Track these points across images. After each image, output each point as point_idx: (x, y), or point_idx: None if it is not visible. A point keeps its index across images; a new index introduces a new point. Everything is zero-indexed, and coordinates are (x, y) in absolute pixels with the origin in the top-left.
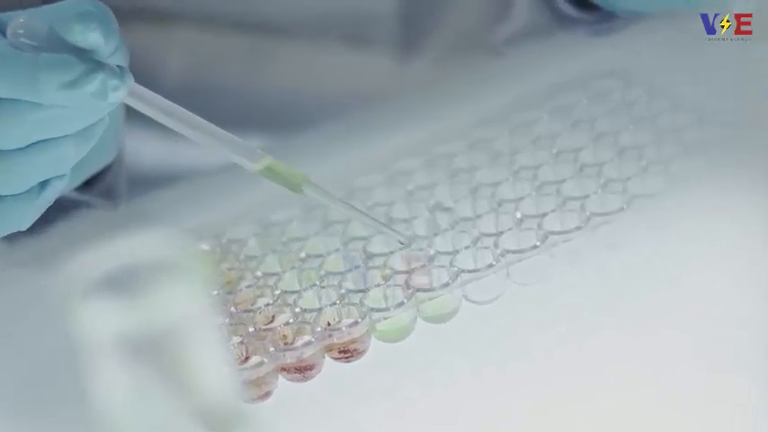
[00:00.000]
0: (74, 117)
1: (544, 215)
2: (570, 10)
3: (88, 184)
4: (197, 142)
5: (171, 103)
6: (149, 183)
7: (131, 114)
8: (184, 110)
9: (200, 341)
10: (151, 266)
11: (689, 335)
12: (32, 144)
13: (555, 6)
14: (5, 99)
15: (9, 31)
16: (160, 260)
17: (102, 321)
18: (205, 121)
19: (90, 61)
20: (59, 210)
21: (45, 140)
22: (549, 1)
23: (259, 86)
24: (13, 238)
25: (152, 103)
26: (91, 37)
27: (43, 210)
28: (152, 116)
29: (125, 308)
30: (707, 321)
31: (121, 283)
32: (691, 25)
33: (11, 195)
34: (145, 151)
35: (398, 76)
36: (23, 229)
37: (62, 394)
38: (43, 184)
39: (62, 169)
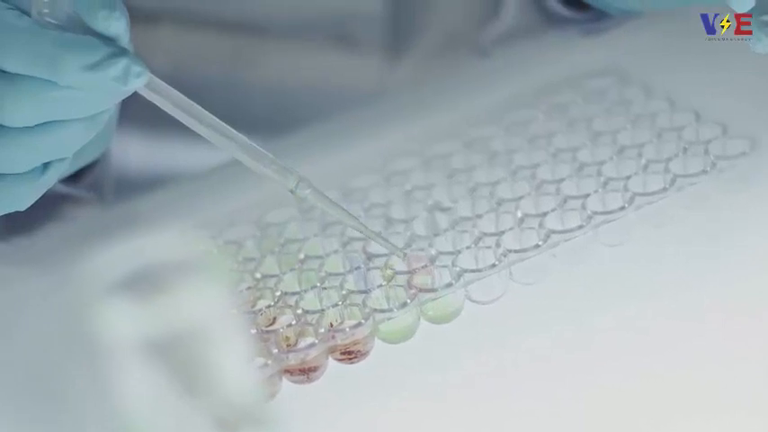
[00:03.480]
0: (88, 101)
1: (545, 214)
2: (561, 9)
3: (76, 177)
4: (205, 137)
5: (182, 96)
6: (141, 185)
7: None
8: (196, 104)
9: (219, 341)
10: (169, 266)
11: (693, 333)
12: (42, 124)
13: (545, 6)
14: (23, 75)
15: (34, 10)
16: (178, 260)
17: (122, 322)
18: (215, 118)
19: (113, 46)
20: (48, 203)
21: (55, 122)
22: (540, 1)
23: (245, 87)
24: (9, 238)
25: (165, 95)
26: (114, 26)
27: (43, 191)
28: (163, 107)
29: (145, 308)
30: (711, 320)
31: (140, 283)
32: (684, 22)
33: (13, 174)
34: (134, 153)
35: (386, 77)
36: (21, 209)
37: (78, 395)
38: (46, 166)
39: (66, 152)
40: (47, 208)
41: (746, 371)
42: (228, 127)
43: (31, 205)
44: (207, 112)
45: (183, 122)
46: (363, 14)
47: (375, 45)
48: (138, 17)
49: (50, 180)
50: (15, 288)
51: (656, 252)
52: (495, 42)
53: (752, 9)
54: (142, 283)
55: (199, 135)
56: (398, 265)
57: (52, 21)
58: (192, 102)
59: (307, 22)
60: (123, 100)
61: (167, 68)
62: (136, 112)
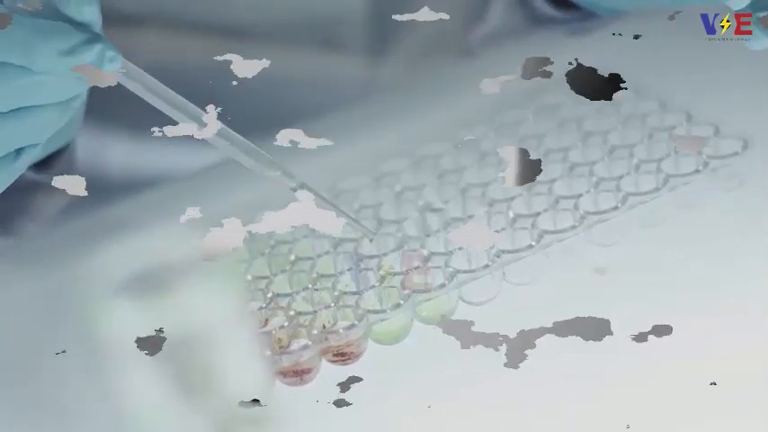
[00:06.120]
0: (61, 86)
1: (537, 215)
2: (549, 9)
3: (46, 165)
4: (176, 119)
5: (156, 80)
6: (131, 186)
7: (102, 120)
8: (168, 89)
9: (217, 342)
10: (163, 268)
11: (687, 333)
12: (16, 110)
13: (532, 6)
14: None
15: None
16: (171, 261)
17: (128, 321)
18: (190, 103)
19: (87, 31)
20: (20, 192)
21: (28, 107)
22: (527, 1)
23: (231, 90)
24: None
25: (139, 80)
26: (86, 11)
27: (16, 177)
28: (137, 92)
29: (141, 310)
30: (705, 320)
31: (137, 284)
32: (675, 21)
33: None
34: (122, 155)
35: (373, 78)
36: None
37: (79, 396)
38: (18, 152)
39: (39, 138)
40: (19, 197)
41: (742, 370)
42: (199, 109)
43: (4, 197)
44: (181, 98)
45: (157, 107)
46: (348, 16)
47: (361, 47)
48: (122, 20)
49: (23, 165)
50: (14, 290)
51: (649, 252)
52: (481, 43)
53: (749, 6)
54: (139, 284)
55: (188, 135)
56: (394, 264)
57: (25, 7)
58: (165, 87)
59: (292, 24)
60: (111, 101)
61: (152, 71)
62: (126, 114)
